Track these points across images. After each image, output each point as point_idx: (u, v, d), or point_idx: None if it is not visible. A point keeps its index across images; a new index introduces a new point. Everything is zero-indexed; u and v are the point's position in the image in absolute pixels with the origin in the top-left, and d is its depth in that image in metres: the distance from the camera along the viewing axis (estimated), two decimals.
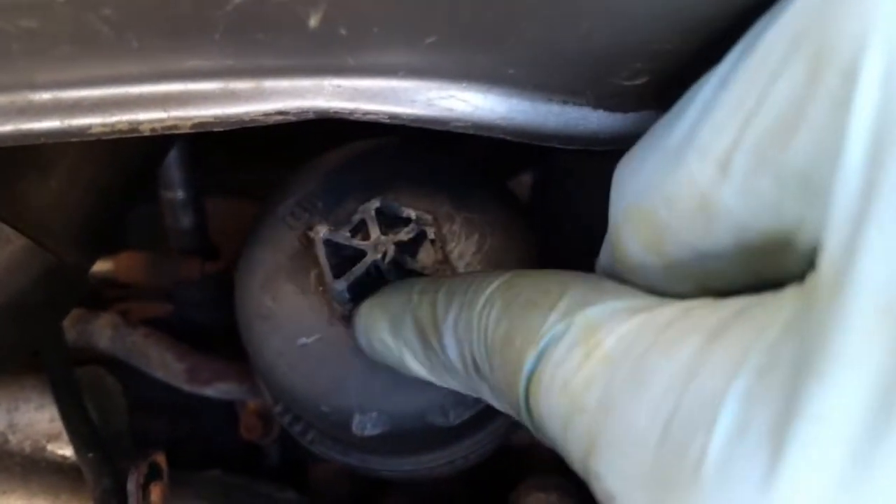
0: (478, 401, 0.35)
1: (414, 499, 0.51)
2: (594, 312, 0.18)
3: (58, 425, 0.44)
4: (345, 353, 0.34)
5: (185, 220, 0.54)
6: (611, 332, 0.18)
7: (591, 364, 0.17)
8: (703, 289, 0.17)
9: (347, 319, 0.34)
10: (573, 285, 0.20)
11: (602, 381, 0.17)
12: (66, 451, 0.44)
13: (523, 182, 0.67)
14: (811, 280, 0.13)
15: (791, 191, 0.13)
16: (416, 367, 0.26)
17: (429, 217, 0.35)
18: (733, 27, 0.17)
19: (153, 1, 0.16)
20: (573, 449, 0.18)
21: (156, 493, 0.34)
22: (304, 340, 0.34)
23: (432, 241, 0.35)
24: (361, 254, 0.34)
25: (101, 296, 0.55)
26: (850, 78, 0.12)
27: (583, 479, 0.17)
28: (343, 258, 0.34)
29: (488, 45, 0.19)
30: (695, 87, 0.17)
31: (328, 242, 0.34)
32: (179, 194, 0.52)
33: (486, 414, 0.36)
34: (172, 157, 0.49)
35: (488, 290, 0.22)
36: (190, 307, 0.56)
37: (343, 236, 0.34)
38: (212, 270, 0.55)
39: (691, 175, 0.16)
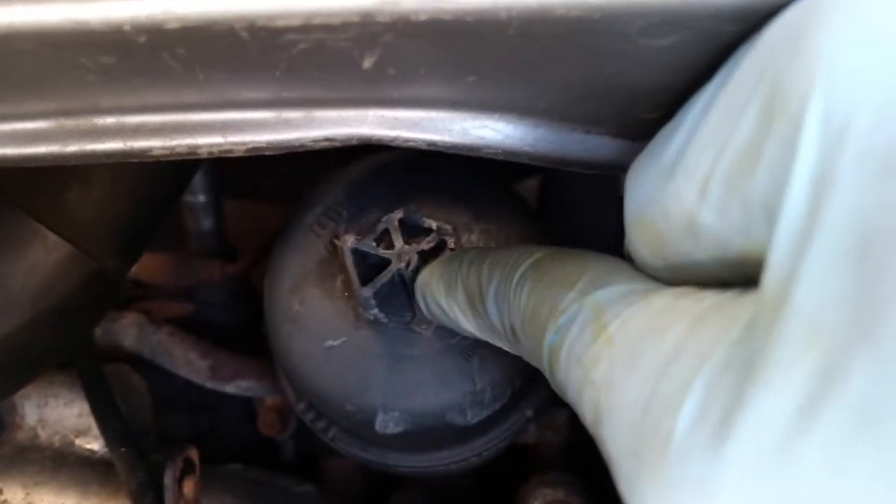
0: (494, 401, 0.38)
1: (425, 495, 0.53)
2: (603, 295, 0.21)
3: (86, 420, 0.45)
4: (369, 355, 0.36)
5: (206, 223, 0.55)
6: (615, 315, 0.20)
7: (599, 344, 0.19)
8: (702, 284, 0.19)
9: (372, 323, 0.36)
10: (591, 267, 0.22)
11: (606, 360, 0.19)
12: (94, 445, 0.46)
13: (529, 187, 0.69)
14: (761, 295, 0.15)
15: (756, 217, 0.15)
16: (469, 327, 0.29)
17: (449, 227, 0.37)
18: None
19: (224, 44, 0.18)
20: (585, 414, 0.20)
21: (188, 486, 0.36)
22: (330, 343, 0.36)
23: (451, 250, 0.37)
24: (386, 262, 0.35)
25: (124, 296, 0.57)
26: (796, 124, 0.14)
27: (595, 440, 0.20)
28: (368, 266, 0.36)
29: (523, 84, 0.21)
30: (687, 105, 0.19)
31: (355, 251, 0.35)
32: (200, 198, 0.54)
33: (501, 414, 0.38)
34: None
35: (522, 268, 0.25)
36: (209, 307, 0.58)
37: (369, 245, 0.35)
38: (231, 272, 0.56)
39: (679, 194, 0.17)
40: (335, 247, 0.38)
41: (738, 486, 0.13)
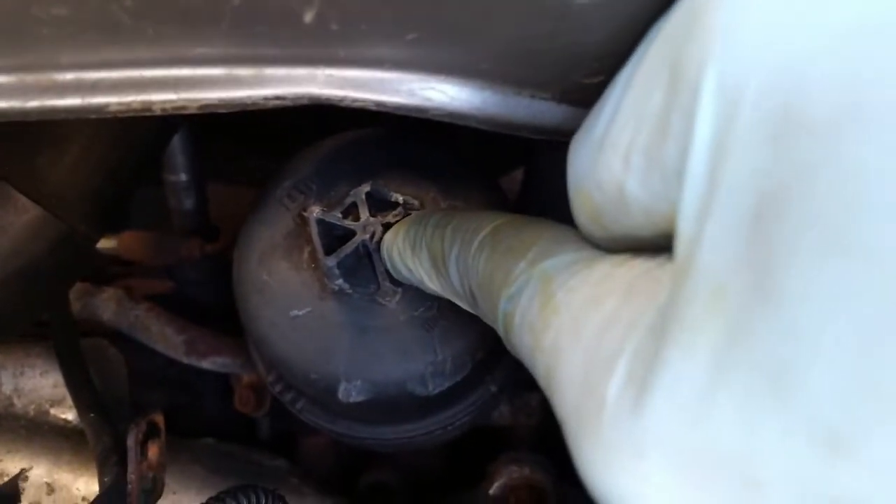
0: (455, 372, 0.38)
1: (396, 473, 0.53)
2: (551, 265, 0.22)
3: (61, 391, 0.46)
4: (333, 325, 0.37)
5: (188, 203, 0.56)
6: (561, 284, 0.20)
7: (547, 312, 0.20)
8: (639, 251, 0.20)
9: (337, 294, 0.37)
10: (543, 237, 0.23)
11: (554, 327, 0.20)
12: (69, 415, 0.47)
13: (515, 178, 0.70)
14: (675, 263, 0.15)
15: (673, 183, 0.16)
16: (434, 287, 0.30)
17: (416, 202, 0.38)
18: None
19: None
20: (539, 378, 0.21)
21: (153, 450, 0.36)
22: (296, 312, 0.37)
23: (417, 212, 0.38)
24: (351, 233, 0.36)
25: (105, 272, 0.58)
26: (694, 94, 0.14)
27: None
28: (334, 237, 0.37)
29: (463, 43, 0.22)
30: (613, 82, 0.20)
31: (320, 222, 0.36)
32: (182, 177, 0.55)
33: (464, 387, 0.39)
34: (176, 142, 0.52)
35: (481, 234, 0.26)
36: (190, 285, 0.59)
37: (334, 216, 0.36)
38: (212, 251, 0.57)
39: (608, 167, 0.18)
40: (303, 219, 0.38)
41: (663, 445, 0.14)
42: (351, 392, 0.37)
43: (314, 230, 0.36)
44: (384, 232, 0.36)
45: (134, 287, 0.57)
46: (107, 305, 0.51)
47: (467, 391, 0.40)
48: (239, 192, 0.67)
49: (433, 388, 0.37)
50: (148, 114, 0.24)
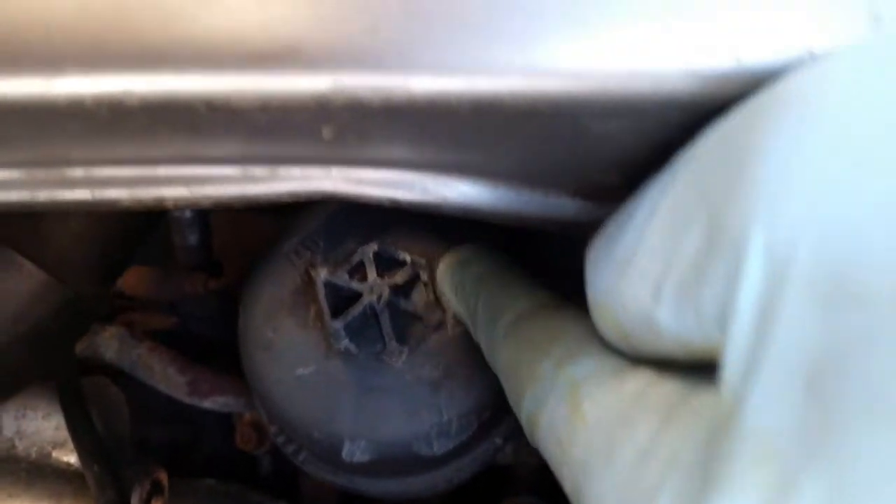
0: (460, 432, 0.38)
1: None
2: (577, 371, 0.21)
3: (63, 433, 0.46)
4: (338, 385, 0.37)
5: (192, 238, 0.56)
6: (587, 394, 0.20)
7: (574, 423, 0.20)
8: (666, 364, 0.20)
9: (343, 353, 0.37)
10: (567, 333, 0.23)
11: (582, 442, 0.20)
12: (71, 458, 0.46)
13: None
14: (719, 405, 0.15)
15: (710, 324, 0.16)
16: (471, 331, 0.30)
17: (423, 260, 0.38)
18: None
19: (185, 116, 0.19)
20: (564, 486, 0.21)
21: None
22: (301, 371, 0.37)
23: (425, 284, 0.38)
24: (358, 295, 0.36)
25: (108, 307, 0.57)
26: (739, 255, 0.14)
27: None
28: (341, 297, 0.37)
29: (480, 153, 0.22)
30: (637, 200, 0.20)
31: (328, 284, 0.36)
32: (187, 213, 0.55)
33: (469, 444, 0.39)
34: None
35: (503, 323, 0.26)
36: (193, 320, 0.58)
37: (342, 278, 0.36)
38: (216, 286, 0.57)
39: (635, 294, 0.18)
40: (310, 276, 0.38)
41: None
42: (355, 452, 0.37)
43: (321, 292, 0.36)
44: (391, 293, 0.36)
45: (136, 322, 0.56)
46: (109, 344, 0.51)
47: (473, 447, 0.40)
48: (238, 218, 0.66)
49: (438, 448, 0.37)
50: (160, 208, 0.24)
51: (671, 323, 0.17)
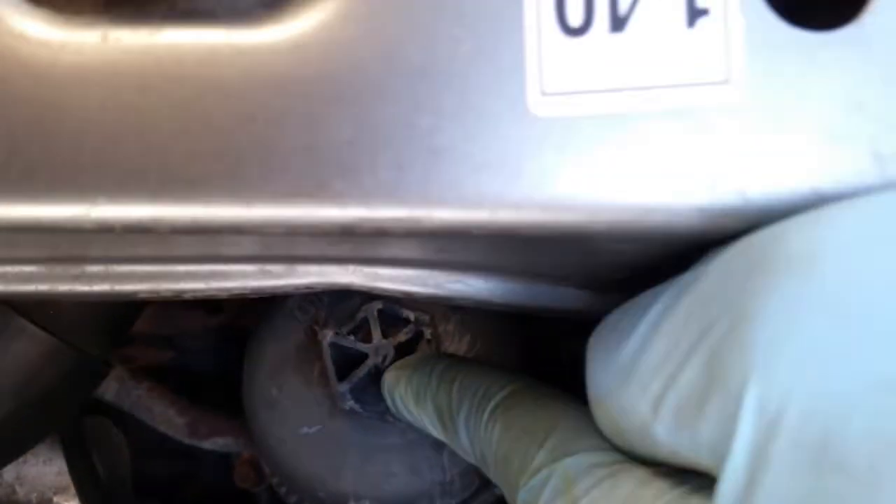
0: (463, 490, 0.39)
1: None
2: (572, 464, 0.22)
3: (64, 479, 0.46)
4: (343, 444, 0.37)
5: None
6: (584, 490, 0.21)
7: None
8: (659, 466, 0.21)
9: (347, 412, 0.37)
10: (560, 422, 0.24)
11: None
12: (73, 503, 0.47)
13: None
14: None
15: (703, 451, 0.17)
16: (438, 435, 0.30)
17: (426, 317, 0.38)
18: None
19: (212, 236, 0.19)
20: None
21: None
22: (306, 430, 0.38)
23: (428, 341, 0.38)
24: (364, 355, 0.37)
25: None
26: (735, 404, 0.15)
27: None
28: (346, 355, 0.37)
29: (494, 260, 0.23)
30: (641, 306, 0.20)
31: (333, 345, 0.37)
32: None
33: (470, 499, 0.40)
34: None
35: (492, 403, 0.26)
36: (190, 355, 0.59)
37: (348, 340, 0.37)
38: (213, 323, 0.57)
39: (634, 404, 0.19)
40: (314, 333, 0.39)
41: None
42: None
43: (327, 354, 0.36)
44: (396, 353, 0.37)
45: (133, 355, 0.56)
46: (109, 385, 0.51)
47: (473, 501, 0.41)
48: None
49: None
50: (176, 300, 0.24)
51: (667, 438, 0.18)
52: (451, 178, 0.18)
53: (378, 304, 0.38)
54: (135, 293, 0.24)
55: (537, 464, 0.23)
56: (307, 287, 0.24)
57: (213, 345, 0.59)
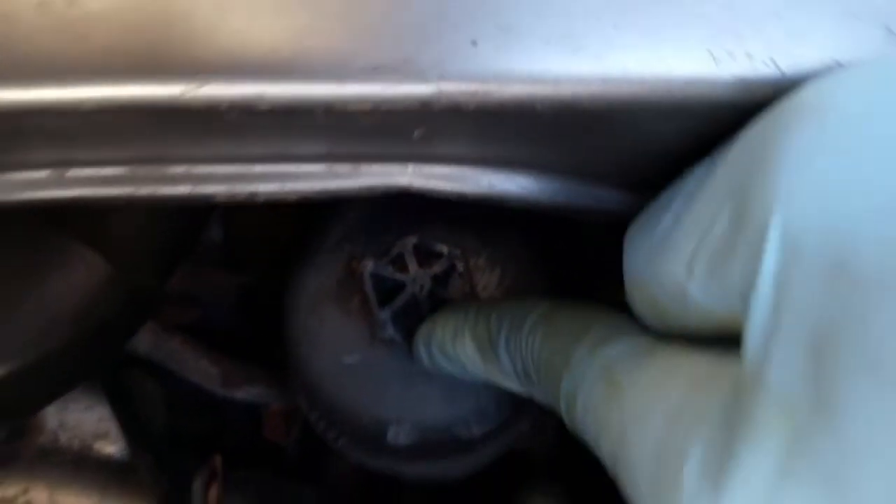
0: (497, 415, 0.41)
1: (426, 498, 0.56)
2: (612, 353, 0.24)
3: (105, 425, 0.48)
4: (384, 371, 0.39)
5: (216, 235, 0.58)
6: (624, 374, 0.23)
7: (611, 397, 0.23)
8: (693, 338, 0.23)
9: (387, 342, 0.39)
10: (598, 320, 0.26)
11: (618, 411, 0.22)
12: (112, 449, 0.48)
13: None
14: (742, 370, 0.18)
15: (733, 298, 0.18)
16: (477, 372, 0.32)
17: (458, 251, 0.40)
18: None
19: (300, 120, 0.21)
20: (604, 459, 0.23)
21: (212, 493, 0.38)
22: (347, 360, 0.39)
23: (461, 275, 0.40)
24: (401, 285, 0.39)
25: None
26: (761, 237, 0.17)
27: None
28: (384, 288, 0.39)
29: (545, 151, 0.25)
30: (676, 188, 0.22)
31: (374, 275, 0.38)
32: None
33: (502, 427, 0.42)
34: None
35: (530, 320, 0.28)
36: (217, 314, 0.60)
37: (388, 270, 0.39)
38: (238, 283, 0.59)
39: (670, 269, 0.21)
40: (353, 268, 0.41)
41: None
42: (399, 435, 0.39)
43: (368, 283, 0.38)
44: (432, 283, 0.39)
45: (162, 315, 0.58)
46: (143, 338, 0.53)
47: (504, 431, 0.43)
48: (264, 215, 0.68)
49: (476, 430, 0.40)
50: (251, 203, 0.26)
51: (700, 296, 0.20)
52: (518, 54, 0.20)
53: (413, 239, 0.40)
54: (213, 195, 0.26)
55: (577, 358, 0.25)
56: (369, 189, 0.26)
57: (239, 305, 0.61)
